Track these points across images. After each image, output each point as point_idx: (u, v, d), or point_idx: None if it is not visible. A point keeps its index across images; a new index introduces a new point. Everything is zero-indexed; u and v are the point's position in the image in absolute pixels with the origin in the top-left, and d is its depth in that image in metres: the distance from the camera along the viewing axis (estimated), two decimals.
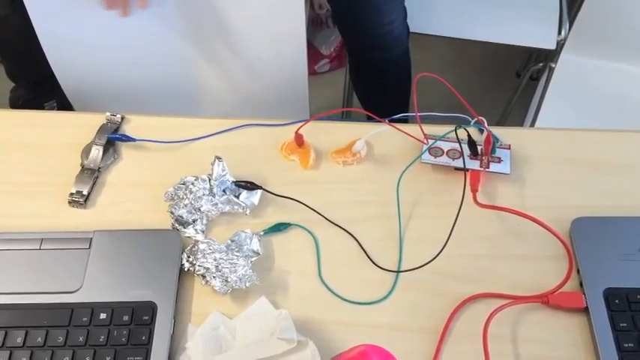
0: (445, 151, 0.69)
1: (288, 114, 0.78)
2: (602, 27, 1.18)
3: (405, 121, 0.72)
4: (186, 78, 0.96)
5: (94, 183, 0.68)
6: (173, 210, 0.64)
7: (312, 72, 1.78)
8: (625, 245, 0.62)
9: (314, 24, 1.80)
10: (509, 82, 1.67)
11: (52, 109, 1.45)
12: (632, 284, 0.59)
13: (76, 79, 0.94)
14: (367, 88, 1.32)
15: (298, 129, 0.69)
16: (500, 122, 1.48)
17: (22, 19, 0.84)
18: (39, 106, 1.43)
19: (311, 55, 1.76)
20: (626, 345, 0.56)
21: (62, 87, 0.94)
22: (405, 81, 1.26)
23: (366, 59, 1.23)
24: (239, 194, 0.66)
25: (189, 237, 0.63)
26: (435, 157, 0.68)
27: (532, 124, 1.17)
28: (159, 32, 0.88)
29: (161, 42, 0.90)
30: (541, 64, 1.30)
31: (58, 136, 0.72)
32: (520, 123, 1.28)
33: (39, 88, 1.43)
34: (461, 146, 0.68)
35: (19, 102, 1.46)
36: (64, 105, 1.00)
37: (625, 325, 0.57)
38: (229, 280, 0.59)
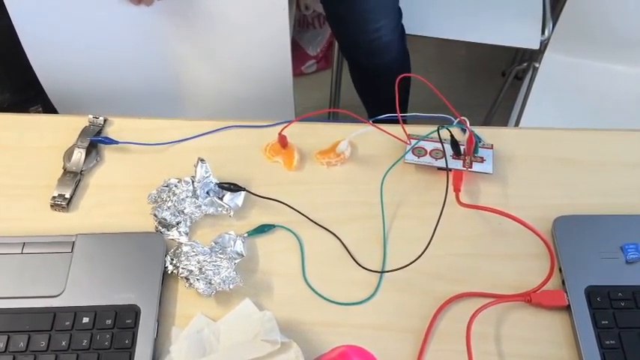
0: (428, 151, 0.69)
1: (273, 115, 0.78)
2: (585, 27, 1.19)
3: (390, 121, 0.73)
4: (170, 80, 0.96)
5: (76, 186, 0.67)
6: (156, 212, 0.64)
7: (298, 73, 1.78)
8: (606, 243, 0.62)
9: (300, 25, 1.80)
10: (494, 81, 1.68)
11: (37, 113, 1.43)
12: (613, 282, 0.60)
13: (60, 81, 0.93)
14: (362, 88, 1.32)
15: (282, 130, 0.69)
16: (486, 122, 1.49)
17: (10, 22, 0.84)
18: (24, 110, 1.42)
19: (297, 56, 1.76)
20: (607, 342, 0.57)
21: (45, 90, 0.94)
22: (400, 85, 1.26)
23: (359, 62, 1.23)
24: (223, 196, 0.66)
25: (172, 239, 0.63)
26: (419, 157, 0.69)
27: (517, 124, 1.18)
28: (143, 33, 0.88)
29: (145, 43, 0.89)
30: (525, 64, 1.31)
31: (40, 139, 0.72)
32: (506, 123, 1.29)
33: (24, 93, 1.42)
34: (443, 146, 0.68)
35: (4, 105, 1.45)
36: (50, 109, 0.99)
37: (606, 322, 0.58)
38: (213, 282, 0.59)
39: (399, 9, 1.16)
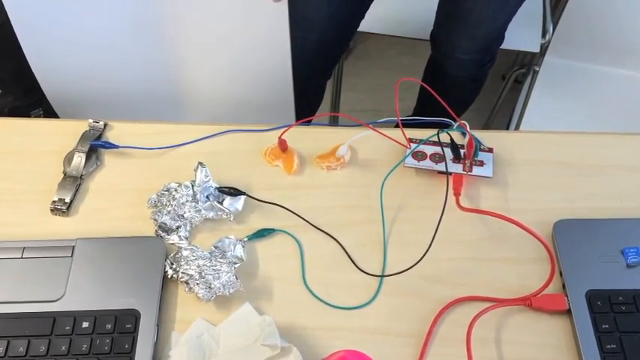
0: (428, 155, 0.69)
1: (275, 119, 0.77)
2: (586, 30, 1.20)
3: (390, 125, 0.73)
4: (172, 84, 0.96)
5: (76, 190, 0.67)
6: (156, 217, 0.64)
7: None
8: (607, 247, 0.62)
9: None
10: (494, 85, 1.68)
11: (38, 117, 1.44)
12: (614, 286, 0.60)
13: (60, 86, 0.93)
14: (427, 79, 1.33)
15: (282, 134, 0.69)
16: (486, 126, 1.49)
17: (11, 26, 0.84)
18: (26, 114, 1.42)
19: None
20: (608, 346, 0.56)
21: (46, 94, 0.94)
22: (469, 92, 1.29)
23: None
24: (223, 200, 0.66)
25: (172, 244, 0.63)
26: (419, 161, 0.69)
27: (517, 128, 1.18)
28: (143, 38, 0.88)
29: (146, 47, 0.90)
30: (525, 68, 1.31)
31: (40, 144, 0.72)
32: (506, 126, 1.29)
33: (27, 97, 1.42)
34: (443, 150, 0.68)
35: (5, 110, 1.45)
36: (51, 114, 0.99)
37: (607, 326, 0.57)
38: (213, 286, 0.59)
39: (493, 40, 1.16)
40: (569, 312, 0.59)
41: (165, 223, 0.64)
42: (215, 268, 0.60)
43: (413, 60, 1.46)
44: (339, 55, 1.24)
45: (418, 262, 0.62)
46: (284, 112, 1.01)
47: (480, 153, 0.69)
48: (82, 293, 0.59)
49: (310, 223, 0.66)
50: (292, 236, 0.65)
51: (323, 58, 1.16)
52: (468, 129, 0.68)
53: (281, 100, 0.99)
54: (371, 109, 1.67)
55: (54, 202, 0.66)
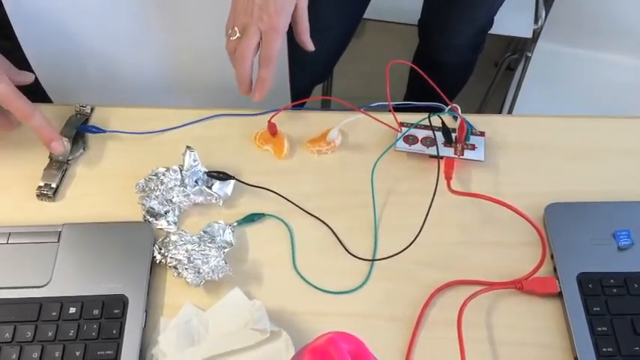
0: (419, 138, 0.68)
1: (269, 102, 0.76)
2: (578, 15, 1.19)
3: (382, 109, 0.72)
4: (165, 67, 0.94)
5: (62, 175, 0.66)
6: (144, 202, 0.63)
7: None
8: (598, 230, 0.62)
9: None
10: (487, 71, 1.67)
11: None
12: (605, 269, 0.60)
13: (52, 69, 0.92)
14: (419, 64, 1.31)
15: (271, 118, 0.68)
16: (479, 112, 1.49)
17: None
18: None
19: None
20: (599, 329, 0.56)
21: (38, 78, 0.92)
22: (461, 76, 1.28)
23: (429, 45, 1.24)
24: (212, 185, 0.65)
25: (161, 229, 0.62)
26: (410, 144, 0.68)
27: (509, 113, 1.17)
28: (137, 21, 0.87)
29: (138, 31, 0.88)
30: (517, 55, 1.30)
31: (26, 128, 0.70)
32: (498, 112, 1.29)
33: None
34: (434, 134, 0.68)
35: None
36: (43, 96, 0.98)
37: (598, 309, 0.57)
38: (201, 271, 0.58)
39: (488, 21, 1.15)
40: (560, 295, 0.59)
41: (154, 208, 0.63)
42: (204, 252, 0.59)
43: (404, 44, 1.45)
44: (336, 62, 1.24)
45: (409, 246, 0.61)
46: (279, 95, 0.99)
47: (471, 136, 0.68)
48: (68, 279, 0.59)
49: (300, 208, 0.65)
50: (282, 221, 0.64)
51: (321, 70, 1.18)
52: (460, 112, 0.67)
53: (276, 84, 0.97)
54: (363, 96, 1.66)
55: (40, 187, 0.65)
